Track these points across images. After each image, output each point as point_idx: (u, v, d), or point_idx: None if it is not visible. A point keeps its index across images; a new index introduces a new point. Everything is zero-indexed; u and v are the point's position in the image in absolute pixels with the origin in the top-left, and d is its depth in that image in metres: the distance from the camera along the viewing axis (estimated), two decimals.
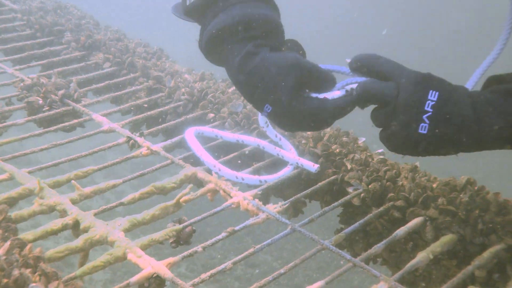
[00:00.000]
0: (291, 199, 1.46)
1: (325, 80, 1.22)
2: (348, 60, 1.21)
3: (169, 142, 1.70)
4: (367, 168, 1.50)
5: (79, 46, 2.32)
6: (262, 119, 1.51)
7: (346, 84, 1.20)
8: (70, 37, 2.37)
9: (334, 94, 1.19)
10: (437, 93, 1.09)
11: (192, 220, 1.36)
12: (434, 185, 1.37)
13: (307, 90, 1.22)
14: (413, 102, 1.08)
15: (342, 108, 1.18)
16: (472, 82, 1.28)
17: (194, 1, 1.28)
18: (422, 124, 1.08)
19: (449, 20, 7.94)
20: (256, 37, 1.23)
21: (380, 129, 1.16)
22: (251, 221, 1.36)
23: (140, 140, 1.67)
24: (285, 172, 1.55)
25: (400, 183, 1.42)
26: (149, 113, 1.88)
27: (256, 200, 1.42)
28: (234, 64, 1.23)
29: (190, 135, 1.64)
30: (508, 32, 1.25)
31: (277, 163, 1.68)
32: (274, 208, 1.40)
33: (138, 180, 1.56)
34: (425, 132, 1.08)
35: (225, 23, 1.22)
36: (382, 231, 1.44)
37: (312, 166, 1.49)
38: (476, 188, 1.34)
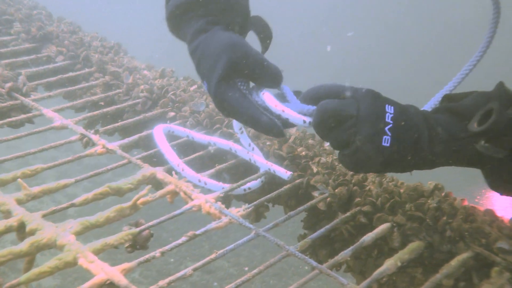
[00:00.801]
0: (254, 202, 1.40)
1: (268, 74, 1.17)
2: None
3: (126, 140, 1.60)
4: (334, 172, 1.46)
5: (30, 37, 2.19)
6: (236, 125, 1.45)
7: (305, 110, 1.14)
8: (20, 28, 2.23)
9: (289, 112, 1.14)
10: (392, 107, 1.08)
11: (150, 223, 1.27)
12: (402, 190, 1.35)
13: (239, 81, 1.17)
14: (375, 114, 1.06)
15: (256, 120, 1.15)
16: (432, 104, 1.33)
17: None
18: (385, 137, 1.06)
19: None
20: (212, 14, 1.23)
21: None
22: (213, 225, 1.29)
23: (95, 137, 1.57)
24: (252, 185, 1.49)
25: (367, 187, 1.38)
26: (105, 110, 1.78)
27: (219, 203, 1.35)
28: (187, 41, 1.24)
29: (158, 131, 1.55)
30: (472, 61, 1.31)
31: (240, 165, 1.61)
32: (237, 212, 1.33)
33: (92, 180, 1.46)
34: (387, 144, 1.06)
35: (175, 4, 1.23)
36: (348, 237, 1.40)
37: (285, 173, 1.44)
38: (443, 194, 1.32)
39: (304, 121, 1.12)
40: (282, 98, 1.19)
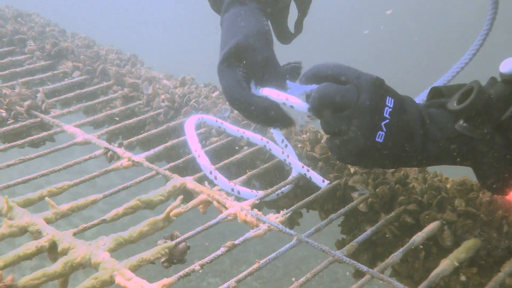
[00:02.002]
0: (292, 207, 1.33)
1: (272, 77, 1.15)
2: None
3: (151, 152, 1.54)
4: (372, 171, 1.38)
5: (45, 55, 2.15)
6: None
7: (309, 91, 1.10)
8: (34, 46, 2.20)
9: (292, 99, 1.11)
10: (392, 99, 1.03)
11: (185, 235, 1.20)
12: (448, 186, 1.27)
13: (241, 69, 1.16)
14: (374, 107, 1.01)
15: (249, 103, 1.14)
16: (423, 96, 1.30)
17: None
18: (379, 132, 1.01)
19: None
20: None
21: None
22: (251, 233, 1.22)
23: (119, 151, 1.51)
24: (285, 189, 1.42)
25: (411, 185, 1.31)
26: (126, 122, 1.72)
27: (255, 210, 1.28)
28: (223, 8, 1.26)
29: (190, 126, 1.46)
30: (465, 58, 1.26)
31: (270, 171, 1.55)
32: (276, 218, 1.26)
33: (121, 194, 1.40)
34: (381, 140, 1.01)
35: None
36: (392, 239, 1.33)
37: (321, 181, 1.37)
38: None
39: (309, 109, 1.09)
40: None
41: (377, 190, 1.33)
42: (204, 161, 1.39)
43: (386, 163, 1.08)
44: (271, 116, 1.15)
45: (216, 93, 1.80)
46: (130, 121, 1.72)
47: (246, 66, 1.16)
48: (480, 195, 1.21)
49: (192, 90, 1.80)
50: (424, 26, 8.25)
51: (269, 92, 1.14)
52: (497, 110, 0.98)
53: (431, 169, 1.37)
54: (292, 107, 1.11)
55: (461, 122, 1.01)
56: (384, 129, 1.01)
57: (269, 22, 1.26)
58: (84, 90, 1.94)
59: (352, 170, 1.40)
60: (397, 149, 1.03)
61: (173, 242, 1.18)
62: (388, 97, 1.03)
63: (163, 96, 1.78)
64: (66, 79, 2.02)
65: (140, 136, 1.65)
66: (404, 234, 1.32)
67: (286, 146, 1.43)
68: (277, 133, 1.43)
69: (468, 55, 1.43)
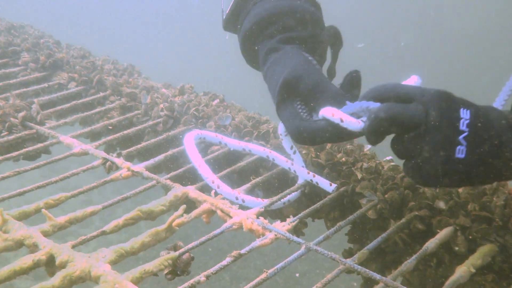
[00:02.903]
0: (299, 215, 1.28)
1: (325, 97, 1.09)
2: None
3: (152, 161, 1.50)
4: (380, 176, 1.34)
5: (39, 66, 2.11)
6: (282, 127, 1.33)
7: (359, 108, 1.03)
8: (28, 58, 2.15)
9: (347, 119, 1.02)
10: (468, 110, 0.93)
11: (189, 246, 1.15)
12: (460, 190, 1.23)
13: (297, 102, 1.14)
14: (447, 122, 0.91)
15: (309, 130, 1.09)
16: (501, 100, 1.16)
17: (228, 12, 1.30)
18: (459, 147, 0.91)
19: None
20: (283, 30, 1.21)
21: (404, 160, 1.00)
22: (258, 242, 1.17)
23: (118, 161, 1.46)
24: (291, 197, 1.38)
25: (421, 190, 1.27)
26: (124, 132, 1.68)
27: (261, 218, 1.23)
28: (260, 65, 1.24)
29: (189, 140, 1.45)
30: None
31: (274, 179, 1.50)
32: (282, 226, 1.22)
33: (120, 205, 1.35)
34: (462, 156, 0.91)
35: (250, 24, 1.23)
36: (403, 247, 1.28)
37: (328, 185, 1.32)
38: (508, 190, 1.20)
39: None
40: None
41: (386, 196, 1.29)
42: (205, 171, 1.36)
43: (474, 179, 0.96)
44: (337, 138, 1.08)
45: (216, 101, 1.76)
46: (128, 131, 1.68)
47: (301, 96, 1.13)
48: (494, 198, 1.17)
49: (191, 99, 1.76)
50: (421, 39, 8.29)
51: (325, 112, 1.07)
52: None
53: None
54: (346, 128, 1.04)
55: None
56: (464, 143, 0.92)
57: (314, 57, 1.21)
58: (80, 101, 1.90)
59: (359, 176, 1.36)
60: (484, 163, 0.93)
61: (177, 253, 1.13)
62: (462, 109, 0.93)
63: (161, 105, 1.74)
64: (62, 91, 1.97)
65: (139, 146, 1.60)
66: (415, 241, 1.27)
67: (294, 152, 1.38)
68: (286, 140, 1.37)
69: None
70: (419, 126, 0.93)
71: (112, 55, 2.20)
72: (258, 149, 1.45)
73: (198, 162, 1.41)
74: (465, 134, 0.91)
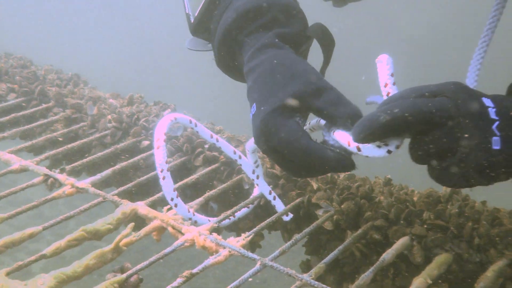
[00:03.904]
0: (254, 229, 1.24)
1: (343, 115, 0.93)
2: (369, 100, 0.98)
3: (98, 176, 1.42)
4: (336, 186, 1.32)
5: None
6: (251, 143, 1.24)
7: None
8: None
9: (366, 148, 0.88)
10: (489, 99, 0.85)
11: (137, 267, 1.08)
12: (415, 198, 1.22)
13: (298, 117, 0.96)
14: (478, 112, 0.83)
15: (319, 156, 0.92)
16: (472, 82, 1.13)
17: (198, 13, 1.16)
18: (494, 138, 0.83)
19: None
20: (267, 25, 1.08)
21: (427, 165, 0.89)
22: (211, 260, 1.11)
23: (61, 177, 1.37)
24: (242, 212, 1.34)
25: (377, 199, 1.25)
26: (69, 146, 1.59)
27: (214, 234, 1.18)
28: (247, 56, 1.05)
29: (161, 133, 1.22)
30: (491, 22, 1.12)
31: (229, 192, 1.46)
32: (237, 241, 1.17)
33: (63, 225, 1.26)
34: (498, 147, 0.82)
35: (234, 15, 1.08)
36: (360, 258, 1.26)
37: (284, 212, 1.29)
38: (462, 197, 1.20)
39: (389, 151, 0.87)
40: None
41: (342, 206, 1.26)
42: (167, 186, 1.24)
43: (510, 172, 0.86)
44: (342, 166, 0.93)
45: (168, 111, 1.70)
46: (74, 144, 1.59)
47: (313, 111, 0.97)
48: (449, 206, 1.16)
49: (141, 109, 1.69)
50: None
51: (341, 138, 0.92)
52: None
53: (396, 181, 1.32)
54: (367, 156, 0.90)
55: None
56: (498, 133, 0.83)
57: None
58: (21, 113, 1.79)
59: (315, 186, 1.32)
60: None
61: (124, 275, 1.06)
62: (483, 98, 0.85)
63: (109, 117, 1.66)
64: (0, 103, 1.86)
65: (84, 160, 1.51)
66: (372, 251, 1.25)
67: (257, 166, 1.33)
68: (253, 155, 1.31)
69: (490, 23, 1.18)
70: (448, 121, 0.84)
71: (58, 65, 2.10)
72: (229, 149, 1.35)
73: (164, 173, 1.23)
74: (497, 123, 0.83)
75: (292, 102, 0.95)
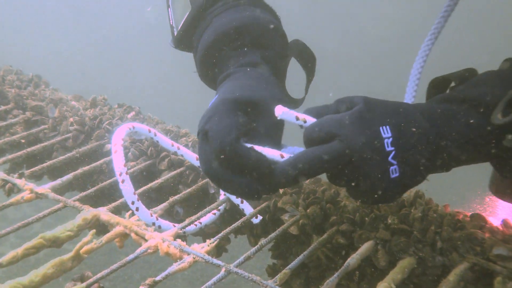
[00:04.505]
0: (219, 235, 1.22)
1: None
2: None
3: (59, 181, 1.37)
4: (302, 191, 1.31)
5: None
6: None
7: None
8: None
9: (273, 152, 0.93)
10: (387, 126, 0.90)
11: (98, 275, 1.06)
12: None
13: (242, 118, 0.97)
14: (371, 148, 0.88)
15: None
16: (410, 94, 1.19)
17: (181, 27, 1.19)
18: (391, 168, 0.89)
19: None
20: (245, 45, 1.12)
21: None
22: (175, 267, 1.09)
23: (20, 182, 1.33)
24: (209, 219, 1.32)
25: (342, 203, 1.25)
26: (29, 149, 1.53)
27: (178, 240, 1.16)
28: (227, 71, 1.11)
29: (118, 140, 1.24)
30: (433, 33, 1.20)
31: (194, 196, 1.43)
32: (201, 247, 1.15)
33: (21, 233, 1.22)
34: (397, 174, 0.89)
35: (214, 35, 1.12)
36: (326, 262, 1.26)
37: (253, 214, 1.28)
38: (425, 201, 1.21)
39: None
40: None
41: (308, 210, 1.25)
42: (127, 189, 1.23)
43: (415, 183, 0.93)
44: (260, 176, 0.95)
45: (132, 114, 1.66)
46: (34, 148, 1.54)
47: (251, 121, 1.00)
48: (412, 210, 1.17)
49: (104, 112, 1.65)
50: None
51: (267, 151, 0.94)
52: None
53: None
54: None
55: (510, 136, 0.88)
56: (395, 162, 0.89)
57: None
58: None
59: (281, 190, 1.32)
60: (420, 166, 0.91)
61: (84, 284, 1.03)
62: (381, 128, 0.90)
63: (71, 119, 1.61)
64: None
65: (45, 165, 1.47)
66: (338, 255, 1.25)
67: None
68: None
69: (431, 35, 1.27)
70: (346, 162, 0.89)
71: (17, 64, 2.03)
72: (191, 156, 1.34)
73: (123, 176, 1.25)
74: (393, 153, 0.89)
75: (242, 103, 0.99)
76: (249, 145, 0.93)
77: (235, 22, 1.12)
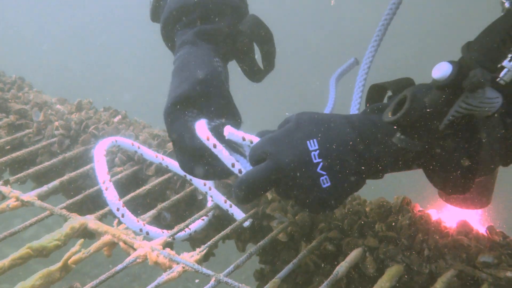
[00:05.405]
0: (208, 243, 1.22)
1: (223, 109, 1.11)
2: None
3: (45, 188, 1.36)
4: None
5: None
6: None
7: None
8: None
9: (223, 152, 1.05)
10: (314, 140, 0.97)
11: (87, 287, 1.05)
12: (368, 209, 1.24)
13: (190, 114, 1.10)
14: (299, 164, 0.95)
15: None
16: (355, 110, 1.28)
17: (152, 1, 1.28)
18: (322, 178, 0.95)
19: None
20: (201, 20, 1.19)
21: None
22: (164, 276, 1.09)
23: (5, 189, 1.31)
24: (198, 225, 1.32)
25: None
26: (14, 155, 1.51)
27: (167, 249, 1.15)
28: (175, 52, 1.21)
29: (100, 152, 1.27)
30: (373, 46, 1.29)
31: (181, 202, 1.43)
32: (190, 256, 1.15)
33: (7, 242, 1.20)
34: (329, 183, 0.96)
35: (169, 11, 1.20)
36: (314, 269, 1.27)
37: (243, 218, 1.28)
38: (412, 207, 1.22)
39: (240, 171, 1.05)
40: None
41: (296, 217, 1.26)
42: (111, 196, 1.23)
43: (350, 190, 1.00)
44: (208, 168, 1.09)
45: (118, 117, 1.65)
46: (19, 153, 1.51)
47: (199, 111, 1.11)
48: (400, 217, 1.19)
49: (90, 116, 1.63)
50: None
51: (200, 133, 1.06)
52: (434, 119, 0.91)
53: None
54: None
55: (398, 134, 0.94)
56: (324, 172, 0.95)
57: (222, 63, 1.20)
58: None
59: (269, 197, 1.32)
60: (350, 173, 0.97)
61: None
62: (308, 142, 0.96)
63: (56, 123, 1.59)
64: None
65: (30, 171, 1.45)
66: (326, 262, 1.26)
67: (210, 188, 1.33)
68: None
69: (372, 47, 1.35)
70: (279, 179, 0.96)
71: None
72: (176, 166, 1.35)
73: (106, 184, 1.26)
74: (321, 164, 0.95)
75: (176, 103, 1.10)
76: (210, 143, 1.04)
77: (174, 5, 1.20)
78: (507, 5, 0.94)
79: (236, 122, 1.14)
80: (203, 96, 1.10)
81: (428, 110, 0.89)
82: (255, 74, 1.29)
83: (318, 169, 0.95)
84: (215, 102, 1.12)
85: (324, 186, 0.95)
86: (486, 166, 0.98)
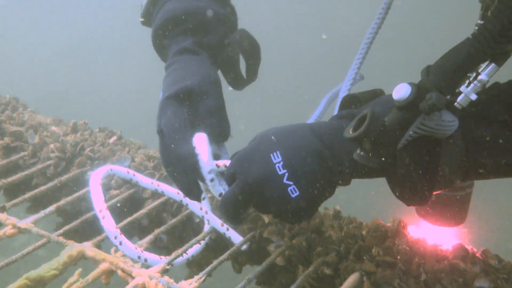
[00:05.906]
0: (205, 270, 1.22)
1: (212, 128, 1.13)
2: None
3: (41, 214, 1.36)
4: None
5: None
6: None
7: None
8: None
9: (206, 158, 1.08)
10: (277, 152, 0.99)
11: None
12: (364, 232, 1.24)
13: (186, 109, 1.13)
14: (264, 177, 0.98)
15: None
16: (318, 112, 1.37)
17: (144, 6, 1.32)
18: (289, 188, 0.98)
19: None
20: (186, 32, 1.23)
21: None
22: None
23: (1, 216, 1.31)
24: (195, 250, 1.32)
25: (327, 233, 1.26)
26: (9, 179, 1.51)
27: (166, 277, 1.15)
28: (169, 56, 1.24)
29: (96, 181, 1.30)
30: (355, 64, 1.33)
31: (178, 225, 1.43)
32: (189, 284, 1.15)
33: (4, 272, 1.20)
34: (298, 193, 0.98)
35: (161, 19, 1.24)
36: None
37: (241, 242, 1.29)
38: (408, 232, 1.23)
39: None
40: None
41: (293, 241, 1.27)
42: (108, 225, 1.24)
43: (320, 199, 1.01)
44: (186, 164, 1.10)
45: (114, 138, 1.65)
46: (14, 177, 1.51)
47: (194, 109, 1.14)
48: (396, 241, 1.20)
49: (86, 137, 1.63)
50: None
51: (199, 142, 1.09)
52: (392, 139, 0.93)
53: (345, 214, 1.34)
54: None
55: (358, 151, 0.95)
56: (291, 182, 0.97)
57: (218, 72, 1.26)
58: None
59: (266, 220, 1.33)
60: (319, 181, 0.98)
61: None
62: (271, 155, 0.99)
63: (52, 146, 1.59)
64: None
65: (26, 196, 1.44)
66: (323, 285, 1.27)
67: (203, 198, 1.32)
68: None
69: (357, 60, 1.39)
70: (249, 198, 1.00)
71: None
72: (172, 192, 1.37)
73: (103, 213, 1.27)
74: (286, 175, 0.97)
75: (178, 94, 1.12)
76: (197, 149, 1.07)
77: (178, 10, 1.24)
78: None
79: (225, 128, 1.17)
80: (204, 94, 1.14)
81: (386, 129, 0.91)
82: (238, 83, 1.34)
83: (285, 180, 0.97)
84: (210, 103, 1.15)
85: (293, 196, 0.97)
86: (444, 180, 0.98)
